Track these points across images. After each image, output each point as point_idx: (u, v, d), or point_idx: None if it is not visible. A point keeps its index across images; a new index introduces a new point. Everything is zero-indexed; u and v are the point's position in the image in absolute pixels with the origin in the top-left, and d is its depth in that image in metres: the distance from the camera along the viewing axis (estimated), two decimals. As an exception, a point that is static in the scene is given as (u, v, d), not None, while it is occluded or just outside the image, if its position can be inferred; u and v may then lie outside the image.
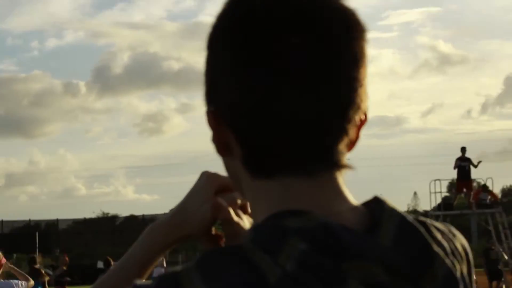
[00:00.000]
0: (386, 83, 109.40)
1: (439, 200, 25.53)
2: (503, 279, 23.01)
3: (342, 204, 0.91)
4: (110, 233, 53.70)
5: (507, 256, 23.45)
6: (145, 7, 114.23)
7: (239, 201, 1.13)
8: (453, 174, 24.84)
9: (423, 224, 0.92)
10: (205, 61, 0.96)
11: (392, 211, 0.90)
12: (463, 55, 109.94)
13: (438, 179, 25.34)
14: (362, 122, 0.95)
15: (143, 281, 0.94)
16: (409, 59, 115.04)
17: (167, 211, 1.25)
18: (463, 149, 24.58)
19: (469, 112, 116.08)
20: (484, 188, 25.33)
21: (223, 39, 0.93)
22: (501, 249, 23.69)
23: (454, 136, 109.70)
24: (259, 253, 0.84)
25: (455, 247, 0.94)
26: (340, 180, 0.92)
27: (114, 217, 61.48)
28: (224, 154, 0.95)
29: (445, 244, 0.92)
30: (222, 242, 1.15)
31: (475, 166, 24.69)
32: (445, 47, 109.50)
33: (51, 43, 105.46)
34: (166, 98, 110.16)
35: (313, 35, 0.89)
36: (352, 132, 0.93)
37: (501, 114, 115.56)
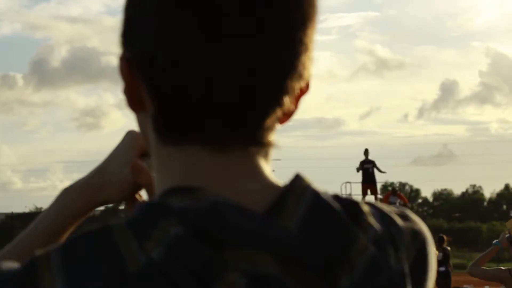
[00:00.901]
0: (325, 86, 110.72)
1: None
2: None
3: (252, 183, 0.79)
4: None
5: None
6: (83, 1, 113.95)
7: None
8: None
9: (354, 205, 0.80)
10: None
11: (305, 189, 0.79)
12: (400, 60, 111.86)
13: (349, 182, 26.01)
14: (303, 92, 0.83)
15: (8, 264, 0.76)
16: (348, 63, 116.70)
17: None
18: (366, 151, 25.04)
19: (405, 116, 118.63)
20: (393, 191, 25.87)
21: None
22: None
23: (390, 139, 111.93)
24: (127, 237, 0.73)
25: (398, 233, 0.82)
26: (259, 157, 0.81)
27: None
28: (135, 109, 0.83)
29: (378, 228, 0.79)
30: None
31: (380, 171, 25.21)
32: (382, 51, 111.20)
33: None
34: (105, 93, 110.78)
35: None
36: (287, 103, 0.81)
37: (437, 119, 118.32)
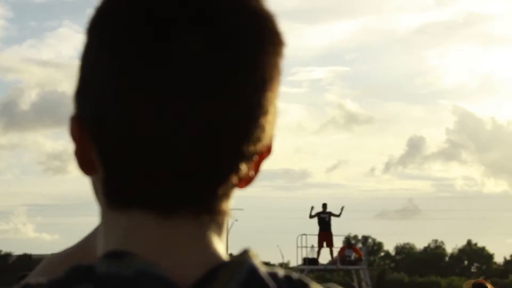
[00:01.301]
0: (293, 138, 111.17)
1: (305, 255, 25.81)
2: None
3: (192, 253, 0.75)
4: (2, 271, 52.89)
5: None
6: (55, 45, 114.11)
7: None
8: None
9: (299, 283, 0.78)
10: (82, 50, 0.79)
11: (242, 266, 0.75)
12: (369, 115, 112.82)
13: (305, 234, 25.65)
14: (263, 156, 0.80)
15: None
16: (317, 115, 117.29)
17: None
18: (324, 205, 25.15)
19: (372, 170, 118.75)
20: (349, 244, 25.99)
21: (102, 25, 0.76)
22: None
23: (356, 192, 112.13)
24: None
25: None
26: (210, 226, 0.77)
27: (8, 255, 60.54)
28: (87, 171, 0.79)
29: None
30: None
31: (338, 216, 25.11)
32: (352, 106, 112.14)
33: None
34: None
35: (212, 40, 0.73)
36: (244, 168, 0.77)
37: (403, 174, 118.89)
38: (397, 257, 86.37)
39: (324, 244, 25.01)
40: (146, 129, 0.73)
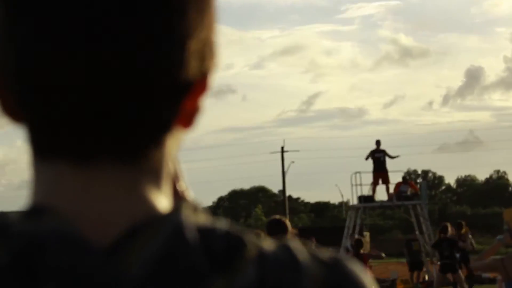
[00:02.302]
0: (347, 76, 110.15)
1: (360, 193, 25.66)
2: (424, 269, 23.51)
3: (116, 207, 0.69)
4: None
5: (429, 247, 24.03)
6: None
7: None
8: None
9: (237, 247, 0.69)
10: None
11: (167, 222, 0.68)
12: (424, 48, 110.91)
13: (359, 172, 25.61)
14: (199, 90, 0.73)
15: None
16: (370, 52, 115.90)
17: None
18: (378, 142, 24.77)
19: (430, 104, 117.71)
20: (404, 180, 25.63)
21: None
22: (423, 240, 24.19)
23: (414, 127, 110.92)
24: None
25: (294, 281, 0.69)
26: (139, 175, 0.70)
27: None
28: (15, 118, 0.73)
29: (251, 275, 0.68)
30: None
31: (392, 157, 24.85)
32: (406, 40, 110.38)
33: None
34: None
35: None
36: (174, 105, 0.70)
37: (462, 106, 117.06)
38: (459, 190, 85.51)
39: (380, 181, 24.71)
40: (50, 73, 0.67)
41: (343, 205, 58.20)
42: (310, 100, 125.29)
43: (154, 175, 0.71)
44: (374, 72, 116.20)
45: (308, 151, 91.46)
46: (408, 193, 24.96)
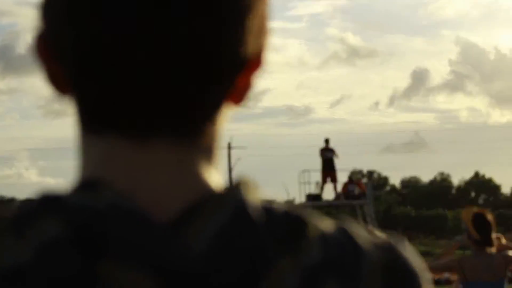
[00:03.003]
0: (295, 73, 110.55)
1: (308, 191, 25.83)
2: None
3: (173, 183, 0.68)
4: (6, 218, 53.26)
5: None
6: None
7: None
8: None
9: (298, 226, 0.69)
10: None
11: (229, 199, 0.67)
12: (372, 48, 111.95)
13: (307, 170, 25.79)
14: (253, 66, 0.72)
15: None
16: (318, 50, 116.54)
17: None
18: (327, 140, 24.96)
19: (376, 104, 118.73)
20: (350, 180, 26.01)
21: None
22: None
23: (360, 127, 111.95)
24: (8, 231, 0.65)
25: (356, 263, 0.69)
26: (194, 151, 0.69)
27: (11, 200, 60.62)
28: (62, 91, 0.72)
29: (316, 255, 0.67)
30: None
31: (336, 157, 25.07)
32: (353, 39, 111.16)
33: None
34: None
35: None
36: (229, 81, 0.70)
37: (407, 107, 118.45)
38: (404, 191, 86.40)
39: (328, 179, 24.92)
40: (112, 43, 0.66)
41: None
42: (258, 97, 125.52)
43: (208, 151, 0.71)
44: (321, 70, 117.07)
45: (255, 148, 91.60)
46: (356, 192, 25.31)
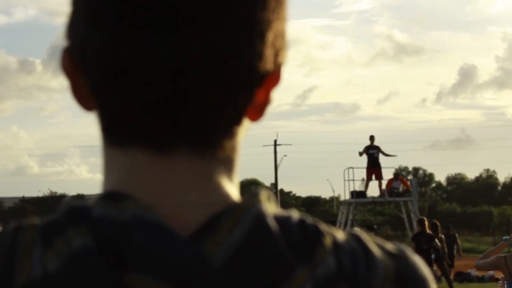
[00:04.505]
0: (342, 71, 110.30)
1: (353, 188, 25.86)
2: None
3: (193, 195, 0.70)
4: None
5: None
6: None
7: None
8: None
9: (314, 235, 0.71)
10: None
11: (248, 211, 0.69)
12: (419, 45, 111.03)
13: (351, 167, 25.64)
14: (271, 82, 0.74)
15: None
16: (365, 47, 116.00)
17: None
18: (372, 138, 24.71)
19: (423, 101, 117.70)
20: (395, 176, 25.62)
21: None
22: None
23: (406, 124, 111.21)
24: (34, 241, 0.67)
25: (368, 272, 0.71)
26: (215, 164, 0.72)
27: (62, 196, 61.83)
28: (86, 107, 0.74)
29: (330, 265, 0.70)
30: None
31: (387, 155, 24.92)
32: (401, 36, 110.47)
33: (1, 20, 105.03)
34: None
35: None
36: (248, 97, 0.72)
37: (454, 104, 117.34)
38: (449, 188, 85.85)
39: (373, 177, 24.78)
40: (132, 58, 0.68)
41: (334, 200, 58.44)
42: (305, 94, 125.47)
43: (227, 165, 0.73)
44: (368, 67, 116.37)
45: (300, 145, 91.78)
46: (400, 189, 25.06)
